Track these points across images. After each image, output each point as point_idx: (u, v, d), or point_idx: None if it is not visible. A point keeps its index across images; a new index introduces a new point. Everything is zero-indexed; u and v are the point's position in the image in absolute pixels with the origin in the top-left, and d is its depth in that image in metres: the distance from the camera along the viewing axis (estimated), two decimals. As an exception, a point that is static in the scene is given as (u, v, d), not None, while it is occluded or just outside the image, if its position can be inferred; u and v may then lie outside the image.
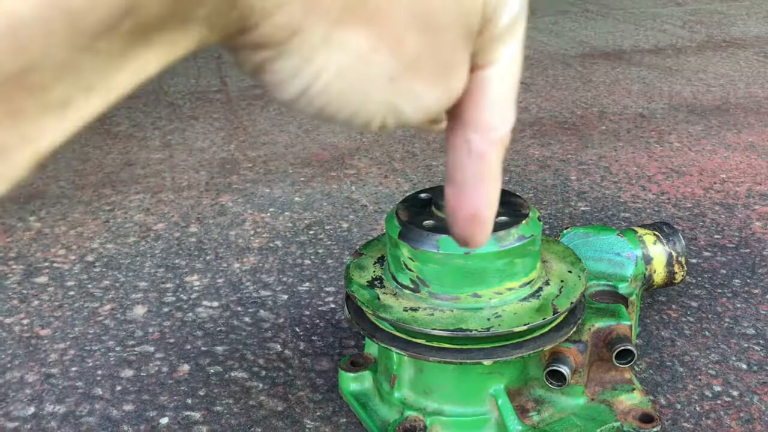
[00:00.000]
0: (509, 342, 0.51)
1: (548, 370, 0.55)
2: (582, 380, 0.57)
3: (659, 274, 0.68)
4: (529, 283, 0.52)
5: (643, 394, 0.58)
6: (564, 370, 0.54)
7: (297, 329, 0.73)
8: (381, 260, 0.57)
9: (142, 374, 0.67)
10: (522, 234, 0.51)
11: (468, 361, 0.51)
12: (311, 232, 0.94)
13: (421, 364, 0.55)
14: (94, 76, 0.17)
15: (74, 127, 0.17)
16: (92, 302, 0.79)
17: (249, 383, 0.65)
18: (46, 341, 0.73)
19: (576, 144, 1.24)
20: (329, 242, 0.91)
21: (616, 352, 0.56)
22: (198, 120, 1.44)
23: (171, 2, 0.17)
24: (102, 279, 0.84)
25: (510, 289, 0.51)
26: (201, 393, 0.64)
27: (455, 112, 0.26)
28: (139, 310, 0.78)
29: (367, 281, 0.55)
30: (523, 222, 0.51)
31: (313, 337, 0.72)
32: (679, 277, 0.69)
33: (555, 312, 0.51)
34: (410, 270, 0.51)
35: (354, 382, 0.61)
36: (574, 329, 0.54)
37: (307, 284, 0.82)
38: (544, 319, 0.50)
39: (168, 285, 0.82)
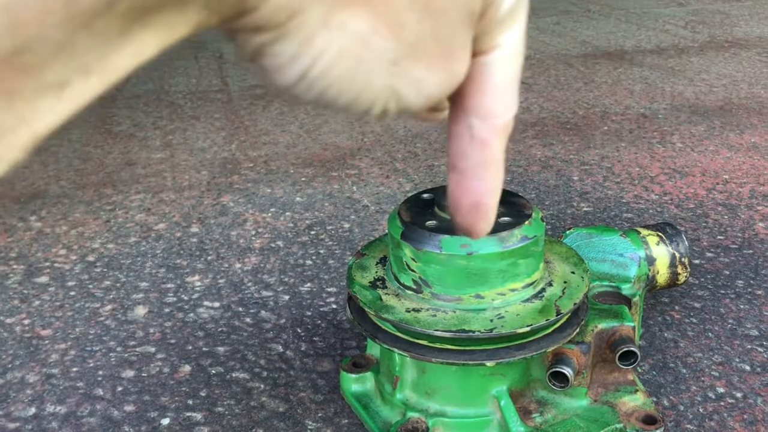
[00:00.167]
0: (512, 343, 0.51)
1: (551, 371, 0.55)
2: (585, 382, 0.57)
3: (662, 275, 0.67)
4: (532, 284, 0.52)
5: (646, 396, 0.58)
6: (567, 371, 0.54)
7: (298, 330, 0.73)
8: (383, 261, 0.57)
9: (143, 375, 0.67)
10: (525, 235, 0.50)
11: (471, 362, 0.50)
12: (312, 232, 0.94)
13: (423, 365, 0.55)
14: (92, 57, 0.16)
15: (72, 109, 0.17)
16: (93, 302, 0.79)
17: (250, 384, 0.65)
18: (47, 341, 0.72)
19: (578, 144, 1.24)
20: (331, 242, 0.91)
21: (619, 353, 0.56)
22: (199, 120, 1.43)
23: None
24: (103, 279, 0.84)
25: (513, 290, 0.51)
26: (202, 394, 0.64)
27: (457, 99, 0.26)
28: (140, 311, 0.77)
29: (369, 282, 0.54)
30: (526, 223, 0.51)
31: (314, 338, 0.71)
32: (682, 278, 0.69)
33: (558, 313, 0.50)
34: (413, 271, 0.51)
35: (356, 383, 0.61)
36: (577, 330, 0.54)
37: (309, 285, 0.81)
38: (547, 320, 0.50)
39: (169, 285, 0.82)
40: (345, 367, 0.62)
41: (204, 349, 0.70)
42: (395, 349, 0.52)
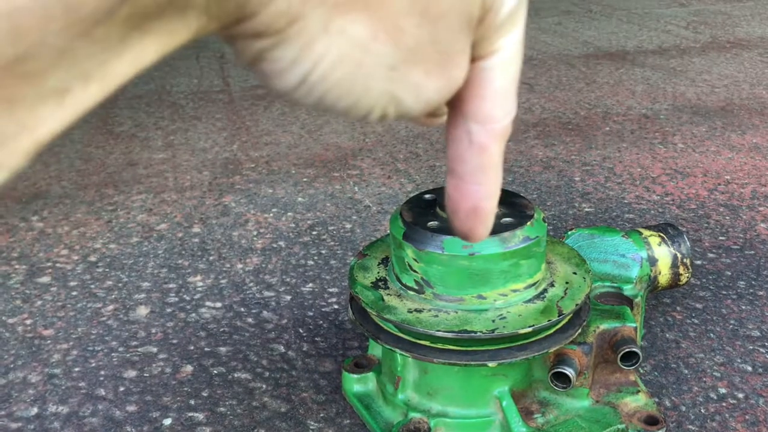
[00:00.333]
0: (514, 344, 0.51)
1: (553, 372, 0.55)
2: (587, 382, 0.57)
3: (664, 276, 0.67)
4: (533, 284, 0.52)
5: (648, 396, 0.58)
6: (569, 372, 0.54)
7: (300, 330, 0.73)
8: (385, 261, 0.57)
9: (145, 375, 0.67)
10: (527, 235, 0.50)
11: (472, 362, 0.50)
12: (314, 232, 0.94)
13: (425, 365, 0.55)
14: (92, 64, 0.17)
15: (73, 115, 0.17)
16: (95, 302, 0.79)
17: (252, 384, 0.65)
18: (49, 341, 0.72)
19: (580, 145, 1.24)
20: (332, 243, 0.91)
21: (621, 354, 0.56)
22: (201, 120, 1.44)
23: None
24: (105, 279, 0.84)
25: (515, 291, 0.51)
26: (204, 394, 0.64)
27: (456, 104, 0.26)
28: (142, 311, 0.77)
29: (371, 282, 0.54)
30: (528, 223, 0.51)
31: (316, 338, 0.71)
32: (684, 279, 0.69)
33: (560, 314, 0.50)
34: (414, 271, 0.51)
35: (357, 384, 0.61)
36: (579, 331, 0.54)
37: (311, 285, 0.81)
38: (549, 320, 0.50)
39: (171, 285, 0.82)
40: (347, 368, 0.62)
41: (206, 349, 0.70)
42: (397, 350, 0.52)
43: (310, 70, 0.20)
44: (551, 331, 0.52)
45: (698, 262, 0.84)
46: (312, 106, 0.22)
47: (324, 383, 0.65)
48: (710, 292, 0.78)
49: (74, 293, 0.81)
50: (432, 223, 0.51)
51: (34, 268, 0.87)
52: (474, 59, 0.25)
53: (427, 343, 0.51)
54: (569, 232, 0.68)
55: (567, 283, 0.54)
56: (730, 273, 0.82)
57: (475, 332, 0.49)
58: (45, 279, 0.84)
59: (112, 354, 0.70)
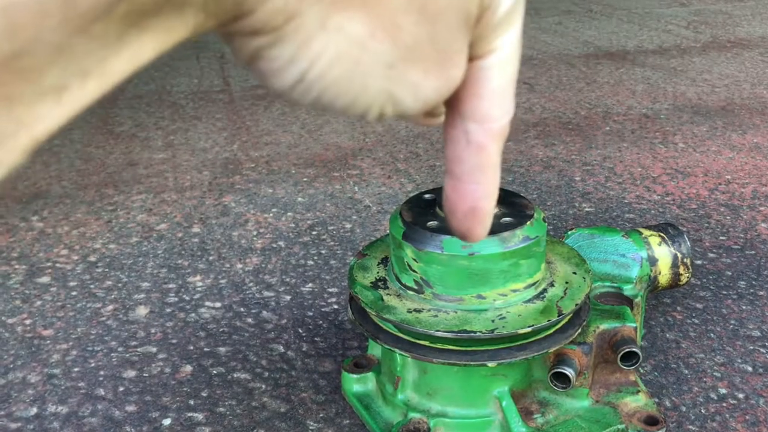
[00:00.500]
0: (513, 344, 0.51)
1: (553, 372, 0.54)
2: (587, 382, 0.57)
3: (664, 276, 0.67)
4: (533, 284, 0.52)
5: (648, 397, 0.58)
6: (569, 372, 0.54)
7: (300, 330, 0.73)
8: (384, 261, 0.57)
9: (144, 375, 0.67)
10: (527, 235, 0.50)
11: (472, 362, 0.50)
12: (314, 232, 0.94)
13: (424, 365, 0.55)
14: (90, 61, 0.16)
15: (71, 112, 0.17)
16: (95, 303, 0.79)
17: (252, 384, 0.65)
18: (48, 342, 0.72)
19: (580, 145, 1.23)
20: (332, 243, 0.91)
21: (621, 354, 0.56)
22: (201, 120, 1.44)
23: None
24: (104, 279, 0.84)
25: (514, 291, 0.51)
26: (204, 394, 0.64)
27: (453, 104, 0.26)
28: (142, 311, 0.77)
29: (371, 282, 0.54)
30: (528, 223, 0.51)
31: (316, 338, 0.71)
32: (684, 279, 0.68)
33: (560, 314, 0.50)
34: (414, 271, 0.51)
35: (357, 384, 0.61)
36: (579, 331, 0.54)
37: (310, 285, 0.81)
38: (548, 320, 0.50)
39: (170, 285, 0.82)
40: (346, 368, 0.62)
41: (205, 349, 0.70)
42: (396, 350, 0.52)
43: (308, 68, 0.20)
44: (551, 331, 0.52)
45: (699, 262, 0.84)
46: (310, 104, 0.22)
47: (323, 383, 0.65)
48: (711, 292, 0.78)
49: (74, 293, 0.81)
50: (431, 223, 0.51)
51: (34, 268, 0.87)
52: (472, 58, 0.25)
53: (426, 343, 0.51)
54: (569, 232, 0.68)
55: (567, 283, 0.53)
56: (730, 273, 0.82)
57: (475, 332, 0.48)
58: (45, 279, 0.84)
59: (112, 354, 0.70)
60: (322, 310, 0.76)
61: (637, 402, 0.57)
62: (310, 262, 0.86)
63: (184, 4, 0.18)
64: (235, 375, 0.66)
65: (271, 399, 0.63)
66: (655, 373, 0.65)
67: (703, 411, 0.61)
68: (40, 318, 0.76)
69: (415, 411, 0.55)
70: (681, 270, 0.68)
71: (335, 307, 0.77)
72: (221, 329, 0.73)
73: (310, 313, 0.76)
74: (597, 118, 1.37)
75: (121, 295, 0.81)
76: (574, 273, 0.55)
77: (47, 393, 0.65)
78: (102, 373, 0.67)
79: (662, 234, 0.68)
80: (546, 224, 0.53)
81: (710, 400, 0.62)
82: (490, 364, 0.50)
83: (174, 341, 0.72)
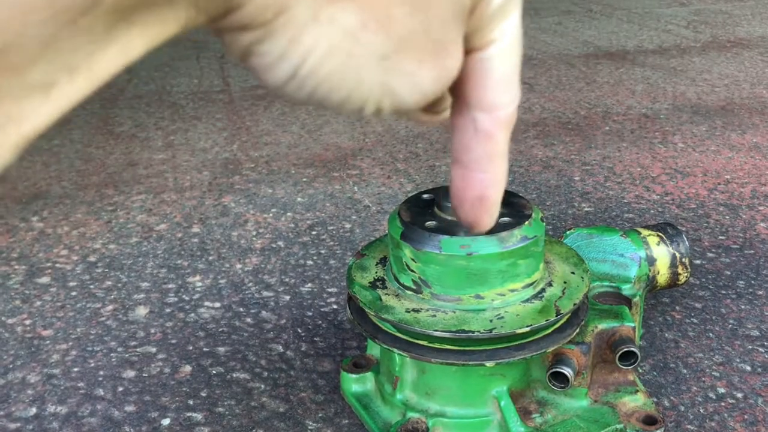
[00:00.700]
0: (512, 343, 0.51)
1: (551, 371, 0.55)
2: (585, 382, 0.57)
3: (663, 276, 0.67)
4: (531, 284, 0.52)
5: (647, 396, 0.58)
6: (567, 371, 0.54)
7: (299, 330, 0.73)
8: (383, 261, 0.57)
9: (143, 375, 0.67)
10: (525, 235, 0.50)
11: (470, 362, 0.50)
12: (314, 232, 0.94)
13: (423, 365, 0.55)
14: (78, 56, 0.16)
15: (61, 109, 0.17)
16: (94, 303, 0.79)
17: (251, 384, 0.65)
18: (48, 342, 0.72)
19: (580, 144, 1.23)
20: (332, 243, 0.91)
21: (619, 353, 0.56)
22: (201, 120, 1.44)
23: None
24: (104, 279, 0.84)
25: (512, 291, 0.51)
26: (203, 394, 0.64)
27: (459, 94, 0.26)
28: (141, 311, 0.77)
29: (369, 282, 0.54)
30: (526, 223, 0.51)
31: (315, 338, 0.71)
32: (682, 279, 0.69)
33: (558, 313, 0.50)
34: (412, 271, 0.51)
35: (356, 384, 0.61)
36: (577, 331, 0.54)
37: (310, 285, 0.81)
38: (546, 320, 0.50)
39: (170, 285, 0.82)
40: (345, 368, 0.62)
41: (205, 349, 0.70)
42: (395, 350, 0.52)
43: (300, 63, 0.20)
44: (549, 330, 0.52)
45: (698, 262, 0.84)
46: (305, 100, 0.22)
47: (322, 383, 0.65)
48: (709, 292, 0.78)
49: (73, 293, 0.81)
50: (430, 223, 0.51)
51: (34, 268, 0.87)
52: (472, 50, 0.25)
53: (424, 342, 0.51)
54: (567, 232, 0.68)
55: (565, 282, 0.54)
56: (729, 272, 0.82)
57: (473, 332, 0.49)
58: (44, 279, 0.85)
59: (111, 354, 0.70)
60: (322, 310, 0.76)
61: (636, 402, 0.57)
62: (310, 262, 0.86)
63: None
64: (234, 375, 0.66)
65: (270, 399, 0.63)
66: (654, 373, 0.65)
67: (701, 410, 0.61)
68: (39, 318, 0.77)
69: (414, 411, 0.55)
70: (679, 270, 0.68)
71: (334, 307, 0.77)
72: (220, 329, 0.74)
73: (310, 313, 0.76)
74: (596, 118, 1.37)
75: (120, 295, 0.81)
76: (573, 273, 0.55)
77: (46, 393, 0.65)
78: (101, 373, 0.67)
79: (661, 234, 0.68)
80: (544, 224, 0.53)
81: (709, 400, 0.62)
82: (489, 364, 0.50)
83: (173, 341, 0.72)
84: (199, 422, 0.61)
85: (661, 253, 0.67)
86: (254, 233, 0.94)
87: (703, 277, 0.81)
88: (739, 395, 0.62)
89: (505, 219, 0.51)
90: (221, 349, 0.70)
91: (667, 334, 0.71)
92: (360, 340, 0.71)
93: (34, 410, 0.63)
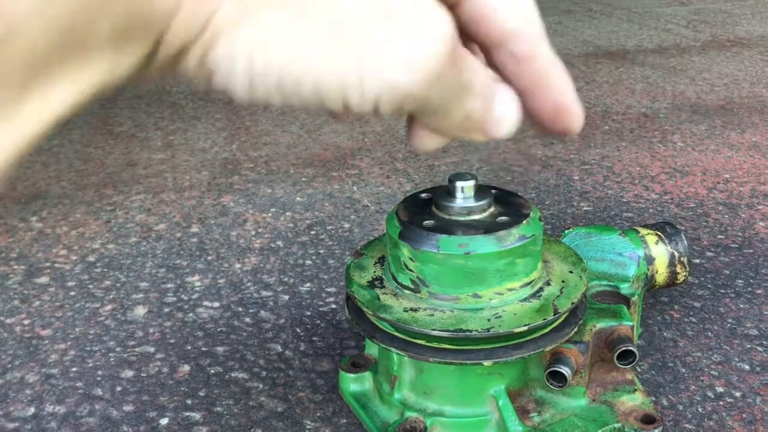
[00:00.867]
0: (510, 343, 0.51)
1: (549, 370, 0.54)
2: (583, 381, 0.57)
3: (661, 275, 0.67)
4: (529, 283, 0.52)
5: (645, 395, 0.58)
6: (565, 371, 0.54)
7: (298, 330, 0.73)
8: (381, 260, 0.57)
9: (142, 375, 0.67)
10: (523, 234, 0.50)
11: (468, 361, 0.50)
12: (312, 232, 0.94)
13: (421, 364, 0.55)
14: None
15: None
16: (93, 303, 0.79)
17: (249, 384, 0.65)
18: (46, 342, 0.72)
19: (579, 144, 1.23)
20: (331, 242, 0.91)
21: (617, 352, 0.56)
22: (200, 120, 1.44)
23: (63, 26, 0.15)
24: (103, 279, 0.84)
25: (510, 290, 0.51)
26: (201, 394, 0.64)
27: (483, 42, 0.25)
28: (140, 311, 0.77)
29: (368, 281, 0.54)
30: (524, 222, 0.51)
31: (313, 338, 0.71)
32: (681, 278, 0.68)
33: (556, 312, 0.50)
34: (410, 270, 0.51)
35: (354, 383, 0.61)
36: (575, 330, 0.54)
37: (308, 285, 0.81)
38: (544, 319, 0.50)
39: (169, 285, 0.82)
40: (344, 367, 0.62)
41: (203, 349, 0.70)
42: (393, 349, 0.52)
43: (250, 64, 0.19)
44: (547, 329, 0.52)
45: (696, 261, 0.84)
46: (282, 103, 0.21)
47: (321, 383, 0.65)
48: (708, 291, 0.78)
49: (72, 293, 0.81)
50: (428, 222, 0.51)
51: (33, 268, 0.87)
52: (458, 3, 0.24)
53: (422, 342, 0.51)
54: (566, 231, 0.68)
55: (563, 281, 0.54)
56: (728, 271, 0.82)
57: (471, 331, 0.49)
58: (43, 279, 0.85)
59: (110, 354, 0.70)
60: (320, 309, 0.76)
61: (634, 401, 0.57)
62: (309, 262, 0.86)
63: (85, 45, 0.16)
64: (232, 374, 0.66)
65: (268, 398, 0.63)
66: (652, 372, 0.65)
67: (700, 410, 0.61)
68: (38, 318, 0.77)
69: (412, 410, 0.55)
70: (678, 269, 0.68)
71: (333, 306, 0.77)
72: (219, 329, 0.74)
73: (308, 313, 0.76)
74: (596, 117, 1.37)
75: (119, 295, 0.81)
76: (571, 272, 0.55)
77: (45, 393, 0.65)
78: (100, 373, 0.67)
79: (659, 233, 0.68)
80: (542, 223, 0.53)
81: (707, 399, 0.62)
82: (486, 363, 0.50)
83: (172, 341, 0.72)
84: (197, 422, 0.61)
85: (660, 252, 0.67)
86: (253, 233, 0.94)
87: (702, 276, 0.81)
88: (738, 394, 0.62)
89: (503, 218, 0.51)
90: (220, 349, 0.70)
91: (665, 333, 0.71)
92: (358, 339, 0.71)
93: (32, 410, 0.63)
